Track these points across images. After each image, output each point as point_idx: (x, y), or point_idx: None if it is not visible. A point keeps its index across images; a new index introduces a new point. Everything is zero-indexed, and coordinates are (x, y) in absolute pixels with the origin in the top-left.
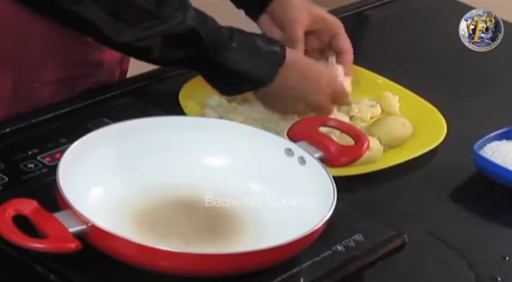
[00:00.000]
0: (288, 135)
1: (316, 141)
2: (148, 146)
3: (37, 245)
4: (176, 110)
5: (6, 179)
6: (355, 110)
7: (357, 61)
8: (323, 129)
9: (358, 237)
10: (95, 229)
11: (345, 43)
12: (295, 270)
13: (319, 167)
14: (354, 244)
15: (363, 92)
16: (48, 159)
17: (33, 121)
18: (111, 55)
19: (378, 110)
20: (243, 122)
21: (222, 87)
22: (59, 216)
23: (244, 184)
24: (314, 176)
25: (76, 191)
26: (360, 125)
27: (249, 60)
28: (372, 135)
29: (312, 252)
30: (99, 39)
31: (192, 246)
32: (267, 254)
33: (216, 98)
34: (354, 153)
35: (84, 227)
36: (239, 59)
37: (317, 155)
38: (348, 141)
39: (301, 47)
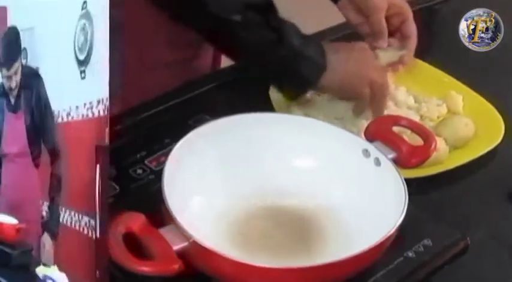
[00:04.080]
0: (364, 135)
1: (390, 142)
2: (240, 146)
3: (144, 268)
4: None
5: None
6: (424, 108)
7: None
8: (394, 129)
9: (427, 241)
10: (195, 246)
11: (412, 29)
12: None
13: (392, 169)
14: (422, 249)
15: (431, 90)
16: (154, 163)
17: (143, 115)
18: None
19: (444, 110)
20: (324, 120)
21: (289, 81)
22: (164, 232)
23: (328, 187)
24: (388, 179)
25: (179, 200)
26: (428, 125)
27: (306, 43)
28: (439, 135)
29: (385, 259)
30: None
31: (279, 258)
32: (352, 263)
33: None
34: (423, 153)
35: (186, 244)
36: (299, 41)
37: (390, 156)
38: (417, 141)
39: (386, 34)
